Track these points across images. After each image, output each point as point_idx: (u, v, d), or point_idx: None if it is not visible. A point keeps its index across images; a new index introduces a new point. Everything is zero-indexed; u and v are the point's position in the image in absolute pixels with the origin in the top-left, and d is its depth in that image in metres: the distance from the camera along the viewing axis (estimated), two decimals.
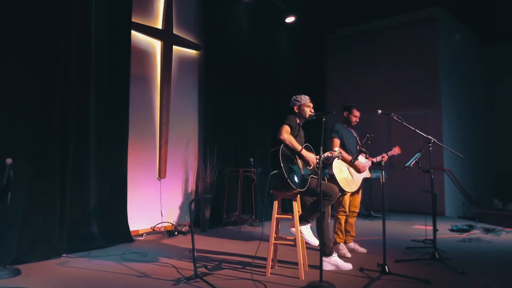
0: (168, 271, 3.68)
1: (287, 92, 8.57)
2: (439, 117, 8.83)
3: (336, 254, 3.84)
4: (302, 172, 3.50)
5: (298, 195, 3.66)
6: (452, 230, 6.42)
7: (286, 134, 3.50)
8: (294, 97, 3.83)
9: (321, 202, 3.19)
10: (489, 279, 3.57)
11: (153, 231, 5.76)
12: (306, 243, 3.68)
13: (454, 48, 9.55)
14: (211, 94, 6.60)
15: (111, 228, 4.94)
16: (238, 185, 6.44)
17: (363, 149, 3.70)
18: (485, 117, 10.78)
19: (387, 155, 4.57)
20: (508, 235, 6.06)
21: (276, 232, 3.76)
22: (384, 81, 9.62)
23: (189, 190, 6.38)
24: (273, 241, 3.57)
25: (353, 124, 4.67)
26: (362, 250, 4.62)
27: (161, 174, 5.92)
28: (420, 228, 6.69)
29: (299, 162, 3.54)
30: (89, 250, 4.48)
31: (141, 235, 5.51)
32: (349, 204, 4.58)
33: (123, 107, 5.23)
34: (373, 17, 9.56)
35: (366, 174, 4.54)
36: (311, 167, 3.64)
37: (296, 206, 3.54)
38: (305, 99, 3.78)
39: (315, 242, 3.60)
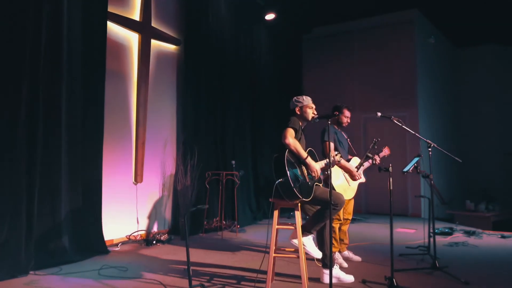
0: None
1: (267, 91, 8.39)
2: (416, 119, 8.86)
3: (338, 266, 3.60)
4: (307, 180, 3.22)
5: (299, 204, 3.38)
6: (434, 233, 6.39)
7: (291, 138, 3.21)
8: (295, 98, 3.54)
9: (330, 211, 2.92)
10: (496, 285, 3.45)
11: (129, 240, 5.31)
12: (307, 254, 3.40)
13: (429, 51, 9.63)
14: (190, 92, 6.21)
15: (84, 239, 4.46)
16: (220, 189, 6.09)
17: (369, 155, 3.48)
18: (454, 119, 10.99)
19: (379, 156, 4.39)
20: (489, 238, 6.10)
21: (275, 243, 3.45)
22: (361, 82, 9.56)
23: (168, 195, 5.96)
24: (273, 254, 3.27)
25: (344, 125, 4.44)
26: (357, 258, 4.42)
27: (138, 178, 5.47)
28: (403, 231, 6.63)
29: (304, 170, 3.26)
30: (61, 266, 4.00)
31: (116, 245, 5.05)
32: (343, 211, 4.35)
33: (98, 105, 4.75)
34: (351, 18, 9.47)
35: (362, 179, 4.33)
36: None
37: (299, 216, 3.26)
38: (307, 100, 3.50)
39: (317, 254, 3.34)
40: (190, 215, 5.74)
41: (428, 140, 3.96)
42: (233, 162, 6.29)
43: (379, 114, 3.98)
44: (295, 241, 3.32)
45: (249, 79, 7.76)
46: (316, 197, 3.25)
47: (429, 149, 3.94)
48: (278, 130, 8.61)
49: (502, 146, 10.43)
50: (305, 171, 3.26)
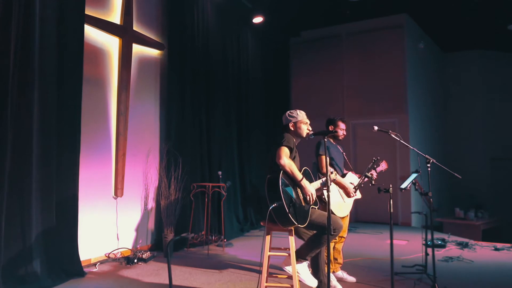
0: None
1: (254, 97, 8.12)
2: (406, 125, 8.71)
3: None
4: (303, 203, 2.96)
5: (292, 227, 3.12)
6: (426, 245, 6.23)
7: (286, 159, 2.95)
8: (289, 112, 3.27)
9: (328, 237, 2.66)
10: None
11: (109, 259, 4.96)
12: (301, 282, 3.14)
13: (419, 56, 9.51)
14: (174, 99, 5.89)
15: (58, 262, 4.11)
16: (205, 202, 5.79)
17: (368, 174, 3.23)
18: (441, 124, 10.89)
19: (376, 171, 4.17)
20: (482, 250, 5.95)
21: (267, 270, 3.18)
22: (350, 87, 9.37)
23: (150, 209, 5.63)
24: (265, 284, 2.99)
25: (340, 138, 4.20)
26: (351, 279, 4.18)
27: (118, 192, 5.13)
28: (395, 243, 6.44)
29: (299, 192, 2.99)
30: None
31: (94, 264, 4.70)
32: None
33: (74, 114, 4.40)
34: (339, 21, 9.28)
35: (358, 195, 4.10)
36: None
37: (293, 241, 2.99)
38: (301, 115, 3.23)
39: (313, 282, 3.08)
40: (174, 229, 5.43)
41: (427, 156, 3.74)
42: (220, 173, 6.00)
43: (375, 128, 3.75)
44: (288, 268, 3.06)
45: (235, 85, 7.50)
46: (312, 221, 2.99)
47: (428, 165, 3.73)
48: (265, 139, 8.38)
49: (488, 151, 10.38)
50: (301, 194, 3.00)
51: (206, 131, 6.50)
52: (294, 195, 2.91)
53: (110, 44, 5.12)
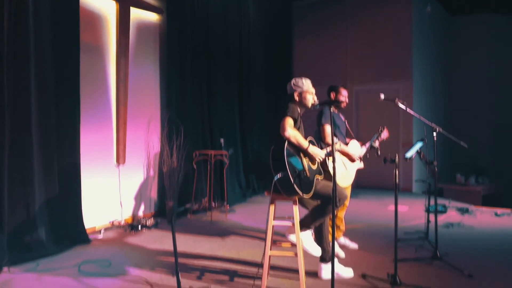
0: None
1: (255, 64, 7.95)
2: (410, 92, 8.58)
3: (336, 260, 3.38)
4: (308, 174, 2.93)
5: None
6: (428, 212, 6.28)
7: (291, 129, 2.89)
8: (293, 81, 3.17)
9: (333, 207, 2.65)
10: (501, 283, 3.29)
11: (113, 226, 5.02)
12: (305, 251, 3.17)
13: (425, 20, 9.23)
14: (174, 67, 5.77)
15: (63, 230, 4.15)
16: (208, 169, 5.78)
17: (374, 145, 3.18)
18: (446, 90, 10.73)
19: (378, 140, 4.11)
20: (483, 216, 6.01)
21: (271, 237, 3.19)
22: (354, 52, 9.16)
23: (153, 176, 5.63)
24: (269, 253, 3.02)
25: (342, 106, 4.10)
26: (354, 245, 4.23)
27: (120, 160, 5.11)
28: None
29: (304, 161, 2.96)
30: (38, 260, 3.70)
31: (99, 232, 4.75)
32: None
33: (73, 82, 4.32)
34: None
35: (360, 164, 4.07)
36: (316, 165, 3.08)
37: (297, 211, 2.99)
38: (307, 84, 3.13)
39: (316, 251, 3.11)
40: (177, 196, 5.46)
41: (433, 124, 3.68)
42: (222, 140, 5.96)
43: (382, 96, 3.66)
44: (292, 236, 3.08)
45: (237, 51, 7.31)
46: (317, 191, 2.97)
47: (434, 133, 3.67)
48: (267, 106, 8.26)
49: (492, 117, 10.27)
50: (306, 163, 2.97)
51: (207, 98, 6.41)
52: (299, 165, 2.88)
53: (107, 8, 4.94)
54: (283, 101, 3.22)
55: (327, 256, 3.28)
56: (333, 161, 2.58)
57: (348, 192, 4.19)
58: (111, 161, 5.08)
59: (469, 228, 5.18)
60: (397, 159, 2.98)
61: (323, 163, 3.26)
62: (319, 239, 3.25)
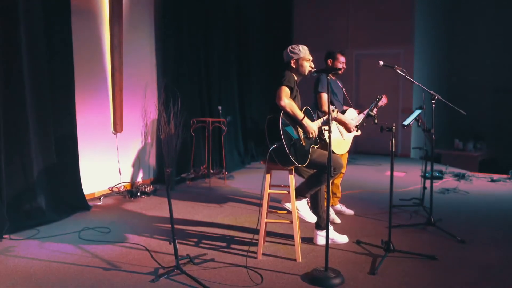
0: (141, 257, 3.11)
1: (254, 28, 7.76)
2: (411, 56, 8.44)
3: (332, 227, 3.44)
4: (303, 143, 2.92)
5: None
6: (425, 178, 6.34)
7: (287, 99, 2.85)
8: (290, 48, 3.10)
9: (329, 176, 2.66)
10: (492, 248, 3.36)
11: (112, 193, 5.08)
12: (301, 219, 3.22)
13: None
14: (170, 32, 5.63)
15: (63, 197, 4.20)
16: (206, 136, 5.77)
17: (371, 113, 3.15)
18: (447, 55, 10.53)
19: (376, 107, 4.08)
20: (479, 181, 6.07)
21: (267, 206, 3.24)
22: (355, 15, 8.93)
23: (151, 143, 5.64)
24: (265, 220, 3.06)
25: (340, 72, 4.02)
26: (350, 212, 4.30)
27: (117, 128, 5.10)
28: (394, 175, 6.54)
29: (300, 131, 2.94)
30: (38, 227, 3.76)
31: (99, 198, 4.82)
32: None
33: (66, 49, 4.23)
34: None
35: (357, 132, 4.05)
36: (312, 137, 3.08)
37: (293, 180, 3.01)
38: (304, 51, 3.07)
39: (312, 218, 3.16)
40: (175, 163, 5.48)
41: (432, 92, 3.63)
42: (220, 107, 5.91)
43: (381, 62, 3.59)
44: (288, 205, 3.11)
45: (235, 16, 7.12)
46: (313, 160, 2.98)
47: (433, 101, 3.64)
48: (266, 72, 8.13)
49: (492, 82, 10.14)
50: (301, 132, 2.95)
51: (205, 64, 6.30)
52: (294, 135, 2.86)
53: None
54: (282, 68, 3.16)
55: (322, 223, 3.33)
56: (329, 131, 2.57)
57: (344, 159, 4.21)
58: (109, 129, 5.07)
59: (464, 194, 5.24)
60: (393, 128, 2.95)
61: (319, 132, 3.25)
62: (315, 206, 3.28)
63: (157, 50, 5.64)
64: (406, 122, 3.81)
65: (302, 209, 3.12)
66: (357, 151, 8.82)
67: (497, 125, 9.90)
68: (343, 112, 4.01)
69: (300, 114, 2.89)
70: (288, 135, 2.79)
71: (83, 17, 4.61)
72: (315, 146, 3.07)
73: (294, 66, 3.07)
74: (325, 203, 3.23)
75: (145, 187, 5.07)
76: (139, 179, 5.49)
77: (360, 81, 9.02)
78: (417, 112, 3.87)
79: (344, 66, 4.02)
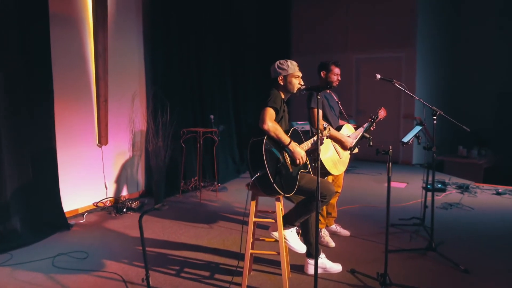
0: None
1: (250, 32, 7.48)
2: (413, 60, 8.14)
3: (324, 255, 3.18)
4: (290, 170, 2.66)
5: None
6: (426, 190, 6.08)
7: (270, 122, 2.58)
8: (278, 64, 2.83)
9: (318, 205, 2.39)
10: (497, 279, 3.09)
11: (97, 208, 4.84)
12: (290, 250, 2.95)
13: None
14: (160, 37, 5.38)
15: (40, 216, 3.96)
16: (197, 147, 5.52)
17: (366, 135, 2.88)
18: (449, 60, 10.20)
19: (372, 127, 3.81)
20: (483, 194, 5.80)
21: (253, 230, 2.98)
22: (355, 17, 8.64)
23: (139, 155, 5.39)
24: (250, 251, 2.81)
25: (334, 85, 3.75)
26: (345, 232, 4.03)
27: (102, 140, 4.85)
28: (394, 186, 6.29)
29: (286, 156, 2.68)
30: (12, 251, 3.53)
31: (82, 214, 4.58)
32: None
33: (43, 57, 3.99)
34: None
35: (355, 149, 3.79)
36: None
37: (280, 207, 2.75)
38: (292, 66, 2.80)
39: (301, 248, 2.89)
40: (164, 176, 5.23)
41: (433, 107, 3.36)
42: (212, 116, 5.65)
43: (378, 76, 3.32)
44: (275, 234, 2.85)
45: (229, 17, 6.83)
46: (301, 187, 2.72)
47: (434, 117, 3.37)
48: (263, 77, 7.86)
49: (496, 86, 9.81)
50: (288, 159, 2.69)
51: (196, 71, 6.04)
52: (280, 160, 2.60)
53: None
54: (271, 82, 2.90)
55: (314, 251, 3.07)
56: (317, 159, 2.30)
57: (341, 178, 3.95)
58: (93, 141, 4.82)
59: (468, 210, 4.97)
60: (390, 151, 2.69)
61: (312, 154, 2.99)
62: (305, 233, 3.03)
63: (146, 57, 5.38)
64: (405, 140, 3.55)
65: (291, 238, 2.86)
66: (357, 157, 8.55)
67: (502, 130, 9.58)
68: (339, 128, 3.75)
69: (285, 139, 2.63)
70: (273, 161, 2.52)
71: (64, 23, 4.36)
72: (304, 171, 2.81)
73: (281, 83, 2.81)
74: (317, 229, 2.97)
75: (131, 203, 4.83)
76: (126, 193, 5.25)
77: (360, 87, 8.74)
78: (418, 128, 3.61)
79: (339, 78, 3.76)
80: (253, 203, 2.78)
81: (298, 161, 2.67)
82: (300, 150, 2.68)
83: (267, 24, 7.97)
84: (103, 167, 4.91)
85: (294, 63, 2.83)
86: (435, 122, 3.39)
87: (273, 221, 2.84)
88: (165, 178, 5.23)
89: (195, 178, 5.73)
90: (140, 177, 5.45)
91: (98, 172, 4.88)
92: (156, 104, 5.21)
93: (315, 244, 2.57)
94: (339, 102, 3.88)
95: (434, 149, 3.42)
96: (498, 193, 5.85)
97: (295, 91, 2.80)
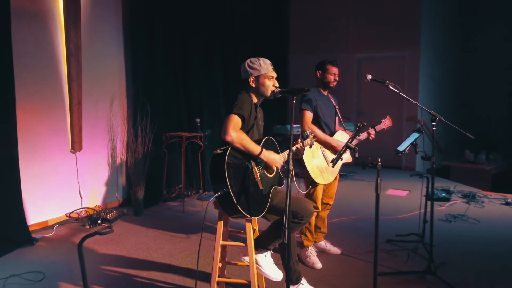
0: None
1: (244, 27, 7.06)
2: (417, 60, 7.71)
3: (305, 281, 2.79)
4: (261, 187, 2.27)
5: None
6: (427, 199, 5.65)
7: (234, 132, 2.20)
8: (249, 62, 2.44)
9: (289, 229, 1.99)
10: None
11: (70, 219, 4.49)
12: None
13: None
14: (141, 34, 5.01)
15: (1, 232, 3.60)
16: (181, 153, 5.15)
17: (350, 145, 2.49)
18: (456, 60, 9.71)
19: (375, 130, 3.43)
20: (491, 204, 5.36)
21: (223, 253, 2.61)
22: (356, 15, 8.22)
23: (118, 162, 5.03)
24: (216, 279, 2.42)
25: (331, 85, 3.39)
26: (335, 250, 3.63)
27: (75, 146, 4.50)
28: (395, 194, 5.88)
29: (256, 170, 2.29)
30: None
31: (52, 227, 4.22)
32: (322, 195, 3.48)
33: (2, 56, 3.62)
34: None
35: (347, 158, 3.40)
36: (274, 173, 2.42)
37: (250, 229, 2.36)
38: (265, 66, 2.41)
39: (277, 276, 2.49)
40: (146, 184, 4.87)
41: (432, 112, 2.96)
42: (198, 120, 5.27)
43: (369, 77, 2.94)
44: (246, 258, 2.47)
45: (220, 11, 6.40)
46: (274, 206, 2.33)
47: (433, 123, 2.96)
48: None
49: (505, 88, 9.31)
50: (258, 173, 2.30)
51: (182, 70, 5.66)
52: (247, 176, 2.21)
53: None
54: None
55: (294, 277, 2.69)
56: (287, 176, 1.91)
57: (333, 188, 3.55)
58: (66, 147, 4.47)
59: (474, 223, 4.54)
60: (379, 165, 2.29)
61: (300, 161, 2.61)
62: (287, 256, 2.63)
63: (127, 57, 5.02)
64: (401, 148, 3.15)
65: (264, 264, 2.47)
66: (355, 162, 8.13)
67: (510, 133, 9.11)
68: (332, 134, 3.37)
69: (255, 148, 2.24)
70: (238, 178, 2.14)
71: (29, 18, 4.00)
72: (279, 187, 2.42)
73: (253, 85, 2.42)
74: (288, 252, 2.58)
75: (106, 213, 4.46)
76: (103, 203, 4.89)
77: (361, 87, 8.31)
78: (415, 136, 3.20)
79: (337, 78, 3.39)
80: (220, 223, 2.40)
81: (274, 167, 2.29)
82: (275, 156, 2.30)
83: (265, 20, 7.57)
84: (77, 175, 4.56)
85: (268, 61, 2.44)
86: (434, 128, 2.99)
87: (243, 245, 2.46)
88: (146, 186, 4.87)
89: (180, 185, 5.36)
90: (120, 185, 5.09)
91: (72, 180, 4.53)
92: (136, 107, 4.85)
93: (287, 269, 2.19)
94: (337, 107, 3.48)
95: (434, 159, 3.01)
96: (507, 203, 5.41)
97: (268, 94, 2.42)
